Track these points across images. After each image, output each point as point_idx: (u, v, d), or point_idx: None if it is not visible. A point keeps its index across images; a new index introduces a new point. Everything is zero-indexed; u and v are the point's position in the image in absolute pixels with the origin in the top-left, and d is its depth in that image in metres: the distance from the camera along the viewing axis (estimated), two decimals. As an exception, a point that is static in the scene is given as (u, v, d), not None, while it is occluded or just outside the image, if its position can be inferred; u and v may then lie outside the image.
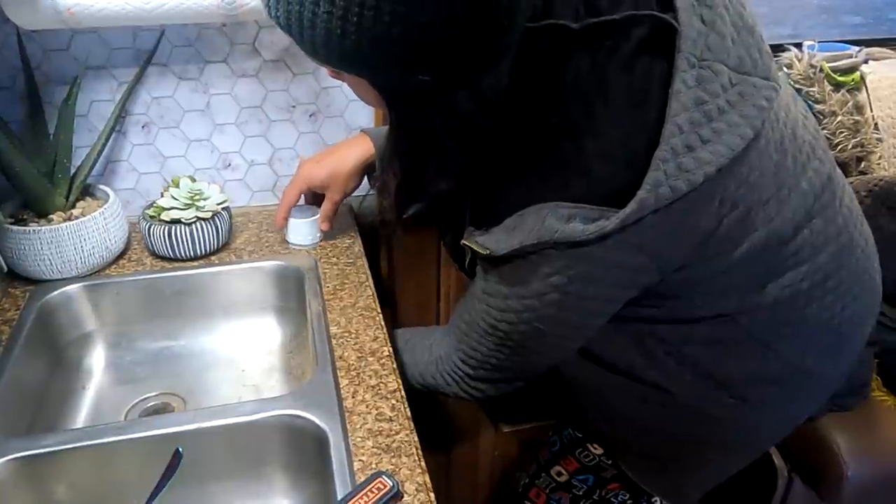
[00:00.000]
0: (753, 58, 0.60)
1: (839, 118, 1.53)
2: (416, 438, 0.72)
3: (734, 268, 0.66)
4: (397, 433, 0.72)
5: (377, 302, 0.94)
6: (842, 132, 1.53)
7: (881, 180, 1.13)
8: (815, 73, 1.54)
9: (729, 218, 0.62)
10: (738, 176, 0.60)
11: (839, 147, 1.53)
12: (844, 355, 0.80)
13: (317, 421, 0.73)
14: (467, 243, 0.68)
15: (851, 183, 1.15)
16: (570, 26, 0.58)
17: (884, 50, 1.63)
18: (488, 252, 0.65)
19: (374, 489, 0.63)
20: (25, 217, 0.94)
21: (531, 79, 0.60)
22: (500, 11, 0.52)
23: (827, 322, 0.74)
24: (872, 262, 0.79)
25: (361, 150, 0.97)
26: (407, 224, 0.69)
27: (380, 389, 0.78)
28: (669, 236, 0.61)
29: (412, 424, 0.74)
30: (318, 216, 1.03)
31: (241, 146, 1.12)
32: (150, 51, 1.00)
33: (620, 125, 0.58)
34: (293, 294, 1.01)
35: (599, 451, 0.93)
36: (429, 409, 1.00)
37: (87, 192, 1.01)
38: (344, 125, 1.14)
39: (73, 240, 0.91)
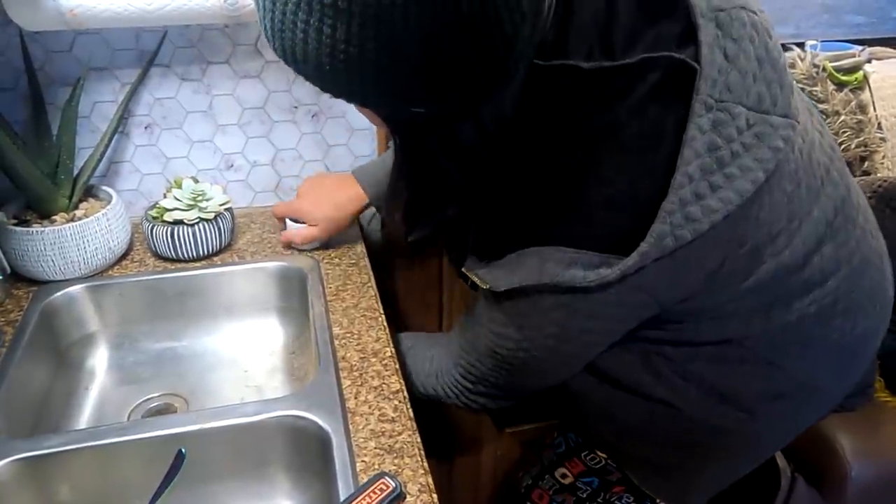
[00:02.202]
0: (774, 94, 0.57)
1: (842, 118, 1.53)
2: (418, 439, 0.72)
3: (740, 298, 0.65)
4: (400, 434, 0.72)
5: (380, 303, 0.94)
6: (845, 132, 1.53)
7: (885, 181, 1.12)
8: (818, 73, 1.54)
9: (735, 255, 0.61)
10: (746, 217, 0.58)
11: (842, 147, 1.53)
12: (854, 370, 0.79)
13: (319, 422, 0.73)
14: (468, 274, 0.67)
15: (855, 183, 1.14)
16: (582, 67, 0.55)
17: (887, 49, 1.63)
18: (488, 286, 0.65)
19: (376, 490, 0.63)
20: (28, 218, 0.94)
21: (538, 116, 0.58)
22: (495, 49, 0.49)
23: (836, 341, 0.73)
24: (885, 275, 0.77)
25: (357, 200, 0.99)
26: (415, 246, 0.69)
27: (382, 390, 0.78)
28: (671, 278, 0.61)
29: (415, 425, 0.74)
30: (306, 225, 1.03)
31: (243, 147, 1.12)
32: (152, 52, 1.00)
33: (628, 172, 0.56)
34: (296, 295, 1.01)
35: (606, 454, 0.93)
36: (431, 411, 0.99)
37: (89, 193, 1.01)
38: (346, 125, 1.14)
39: (76, 241, 0.91)
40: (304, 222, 1.02)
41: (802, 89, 1.56)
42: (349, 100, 0.53)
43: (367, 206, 1.01)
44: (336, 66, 0.49)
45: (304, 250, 1.04)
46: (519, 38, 0.49)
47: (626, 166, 0.56)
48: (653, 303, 0.63)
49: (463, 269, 0.68)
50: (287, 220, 1.03)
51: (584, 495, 0.91)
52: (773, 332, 0.69)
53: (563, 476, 0.93)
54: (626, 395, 0.75)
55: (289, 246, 1.04)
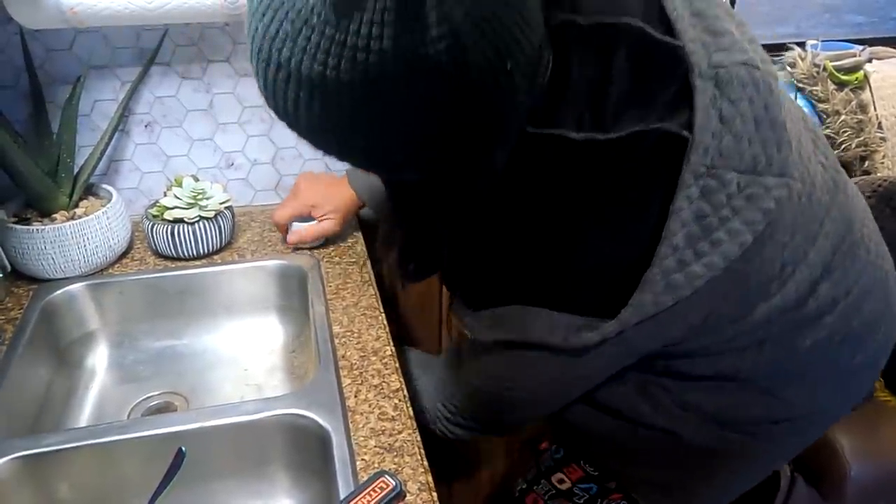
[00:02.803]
0: (770, 154, 0.55)
1: (842, 117, 1.53)
2: (418, 438, 0.72)
3: (730, 339, 0.65)
4: (400, 432, 0.72)
5: (380, 301, 0.94)
6: (845, 131, 1.53)
7: (885, 181, 1.12)
8: (818, 73, 1.54)
9: (721, 308, 0.61)
10: (732, 276, 0.57)
11: (843, 146, 1.53)
12: (856, 392, 0.79)
13: (319, 420, 0.73)
14: (454, 317, 0.68)
15: (855, 184, 1.14)
16: (571, 137, 0.54)
17: (887, 49, 1.63)
18: (472, 335, 0.66)
19: (376, 489, 0.63)
20: (29, 216, 0.94)
21: (527, 181, 0.57)
22: (488, 119, 0.48)
23: (835, 370, 0.72)
24: (890, 300, 0.75)
25: (356, 199, 0.99)
26: (412, 279, 0.69)
27: (382, 389, 0.78)
28: (652, 335, 0.61)
29: (415, 424, 0.74)
30: (316, 221, 1.02)
31: (243, 145, 1.12)
32: (152, 50, 1.00)
33: (613, 241, 0.55)
34: (296, 293, 1.01)
35: None
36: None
37: (90, 191, 1.01)
38: (346, 124, 1.14)
39: (76, 239, 0.91)
40: (304, 220, 1.02)
41: (802, 89, 1.56)
42: (341, 160, 0.53)
43: (363, 206, 1.01)
44: (327, 137, 0.49)
45: (308, 248, 1.04)
46: (512, 110, 0.49)
47: (611, 235, 0.56)
48: (634, 354, 0.65)
49: (451, 310, 0.69)
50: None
51: (581, 501, 0.91)
52: (767, 365, 0.68)
53: (561, 481, 0.92)
54: (626, 424, 0.74)
55: (295, 245, 1.04)
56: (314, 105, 0.46)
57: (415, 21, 0.42)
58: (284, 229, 1.04)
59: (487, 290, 0.64)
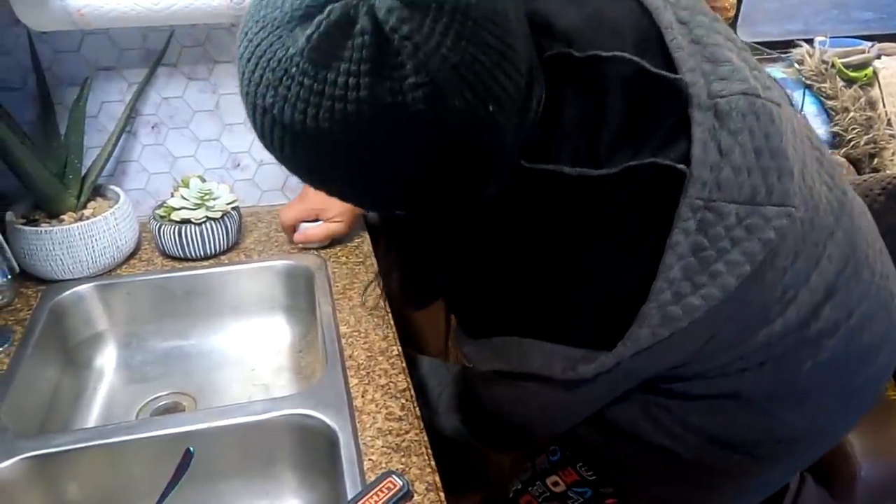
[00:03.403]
0: (770, 184, 0.54)
1: (851, 114, 1.52)
2: (426, 438, 0.72)
3: (729, 363, 0.65)
4: (407, 432, 0.72)
5: (386, 301, 0.94)
6: (854, 128, 1.52)
7: (895, 178, 1.11)
8: (826, 69, 1.53)
9: (721, 334, 0.61)
10: (732, 304, 0.56)
11: (851, 144, 1.52)
12: (858, 411, 0.78)
13: (326, 420, 0.73)
14: (455, 346, 0.68)
15: (864, 181, 1.13)
16: (565, 172, 0.53)
17: (896, 45, 1.62)
18: (471, 364, 0.67)
19: (384, 489, 0.63)
20: (37, 217, 0.95)
21: (522, 214, 0.57)
22: (479, 158, 0.49)
23: (835, 391, 0.71)
24: (894, 322, 0.73)
25: None
26: (413, 306, 0.69)
27: (389, 388, 0.78)
28: (649, 364, 0.61)
29: (422, 424, 0.74)
30: (323, 221, 1.03)
31: (250, 146, 1.12)
32: (159, 51, 1.01)
33: (609, 275, 0.55)
34: (302, 293, 1.01)
35: None
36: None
37: (97, 192, 1.01)
38: (353, 124, 1.14)
39: (84, 240, 0.92)
40: (310, 220, 1.02)
41: (810, 86, 1.55)
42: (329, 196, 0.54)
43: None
44: (312, 178, 0.51)
45: (315, 248, 1.04)
46: (500, 148, 0.49)
47: (607, 269, 0.55)
48: (634, 379, 0.65)
49: (451, 340, 0.69)
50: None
51: None
52: (768, 386, 0.67)
53: (556, 484, 0.92)
54: (628, 441, 0.74)
55: (302, 244, 1.04)
56: (298, 149, 0.47)
57: (391, 70, 0.43)
58: (291, 230, 1.04)
59: (485, 320, 0.64)
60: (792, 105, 0.63)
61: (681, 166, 0.52)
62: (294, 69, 0.44)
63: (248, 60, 0.46)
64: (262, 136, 0.49)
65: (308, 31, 0.43)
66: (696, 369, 0.65)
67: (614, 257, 0.55)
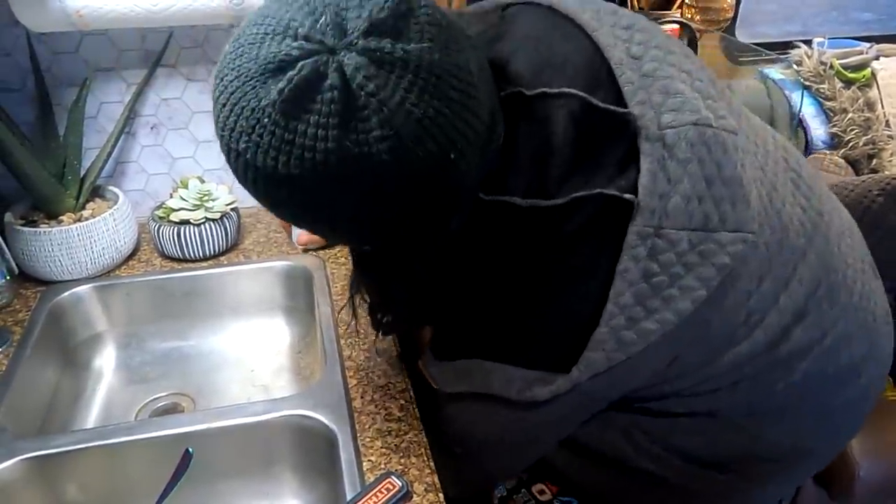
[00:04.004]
0: (723, 211, 0.55)
1: (850, 115, 1.52)
2: (425, 439, 0.72)
3: (701, 382, 0.65)
4: (406, 433, 0.72)
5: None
6: (853, 129, 1.52)
7: (894, 178, 1.11)
8: (825, 70, 1.53)
9: (686, 357, 0.61)
10: (691, 326, 0.57)
11: (850, 145, 1.52)
12: (845, 431, 0.77)
13: (326, 421, 0.73)
14: (421, 368, 0.69)
15: (863, 182, 1.13)
16: (517, 203, 0.55)
17: (895, 46, 1.62)
18: (436, 386, 0.67)
19: (383, 489, 0.63)
20: (36, 218, 0.95)
21: (480, 244, 0.59)
22: (425, 209, 0.51)
23: (817, 409, 0.70)
24: (876, 343, 0.72)
25: None
26: (383, 332, 0.70)
27: (389, 389, 0.78)
28: (610, 386, 0.62)
29: (421, 424, 0.74)
30: None
31: (249, 147, 1.12)
32: (158, 52, 1.01)
33: (562, 300, 0.57)
34: (302, 294, 1.01)
35: None
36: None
37: (96, 193, 1.01)
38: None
39: (83, 241, 0.92)
40: None
41: (809, 87, 1.55)
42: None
43: None
44: (283, 215, 0.55)
45: (315, 248, 1.04)
46: (462, 189, 0.52)
47: (559, 295, 0.57)
48: (600, 401, 0.65)
49: (419, 363, 0.70)
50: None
51: None
52: (743, 404, 0.67)
53: (541, 492, 0.91)
54: (613, 468, 0.74)
55: (305, 246, 1.04)
56: (269, 190, 0.51)
57: (357, 123, 0.46)
58: (290, 230, 1.04)
59: (450, 342, 0.66)
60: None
61: (628, 196, 0.53)
62: (266, 119, 0.47)
63: (224, 106, 0.49)
64: (237, 175, 0.52)
65: (280, 85, 0.46)
66: (665, 390, 0.66)
67: (566, 284, 0.56)
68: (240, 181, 0.53)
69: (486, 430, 0.68)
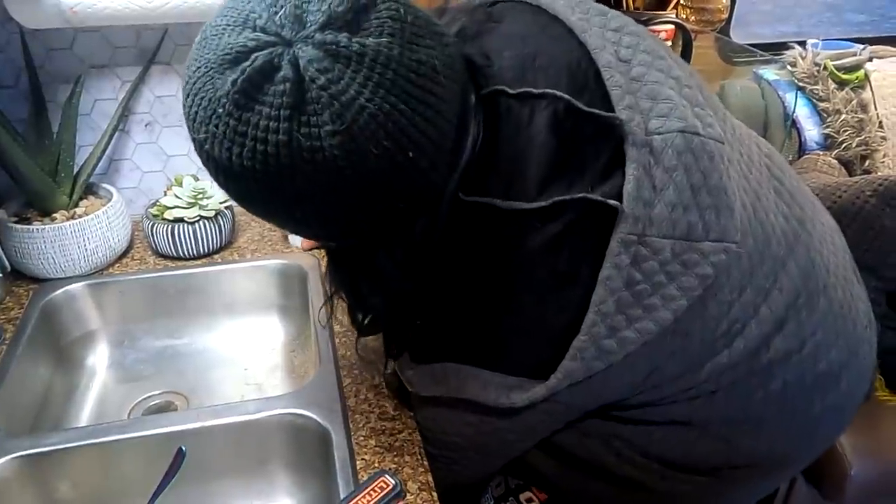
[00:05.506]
0: (708, 221, 0.55)
1: (843, 116, 1.53)
2: (419, 437, 0.72)
3: (678, 392, 0.65)
4: (400, 432, 0.72)
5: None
6: (846, 130, 1.53)
7: (886, 179, 1.12)
8: (819, 71, 1.54)
9: (665, 367, 0.61)
10: (671, 336, 0.57)
11: (843, 146, 1.53)
12: (822, 441, 0.77)
13: (319, 420, 0.73)
14: (398, 371, 0.68)
15: (856, 183, 1.14)
16: (497, 205, 0.54)
17: (888, 48, 1.63)
18: (412, 389, 0.67)
19: (376, 488, 0.63)
20: (29, 216, 0.94)
21: (460, 246, 0.57)
22: (384, 207, 0.51)
23: (794, 417, 0.70)
24: (856, 349, 0.72)
25: None
26: (362, 332, 0.70)
27: (382, 388, 0.78)
28: (588, 395, 0.62)
29: (415, 423, 0.74)
30: None
31: (243, 145, 1.12)
32: (152, 50, 1.00)
33: (541, 306, 0.55)
34: (296, 292, 1.01)
35: None
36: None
37: (90, 190, 1.01)
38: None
39: (76, 238, 0.91)
40: None
41: (803, 88, 1.55)
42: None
43: None
44: (245, 206, 0.54)
45: (315, 248, 1.04)
46: (425, 189, 0.51)
47: (540, 300, 0.56)
48: (576, 410, 0.65)
49: (395, 367, 0.69)
50: None
51: None
52: (720, 413, 0.67)
53: (529, 500, 0.92)
54: (598, 476, 0.74)
55: (308, 249, 1.03)
56: (229, 183, 0.51)
57: (308, 116, 0.45)
58: None
59: (427, 345, 0.65)
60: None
61: (612, 202, 0.53)
62: (220, 110, 0.47)
63: (188, 96, 0.50)
64: (203, 165, 0.52)
65: (234, 76, 0.46)
66: (645, 399, 0.65)
67: (547, 289, 0.55)
68: (208, 173, 0.53)
69: (459, 434, 0.68)
